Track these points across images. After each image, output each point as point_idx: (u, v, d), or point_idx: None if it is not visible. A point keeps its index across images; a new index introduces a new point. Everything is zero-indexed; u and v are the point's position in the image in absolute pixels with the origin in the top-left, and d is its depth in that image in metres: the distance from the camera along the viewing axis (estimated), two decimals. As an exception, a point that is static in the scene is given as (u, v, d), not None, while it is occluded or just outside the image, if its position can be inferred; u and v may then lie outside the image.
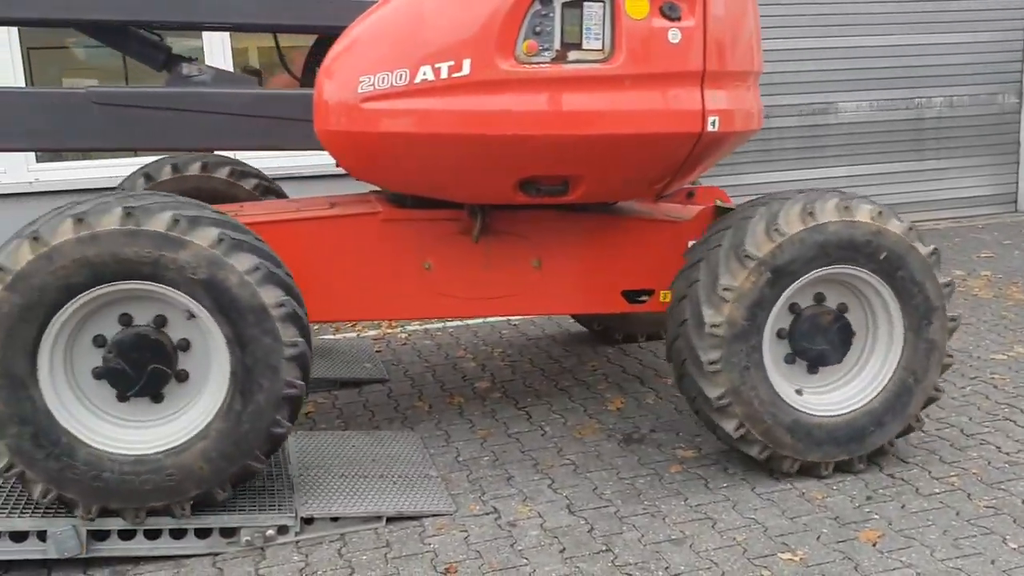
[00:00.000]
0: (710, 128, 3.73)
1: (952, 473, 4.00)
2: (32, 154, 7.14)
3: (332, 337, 6.59)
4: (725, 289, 3.72)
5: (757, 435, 3.83)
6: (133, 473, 3.32)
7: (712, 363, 3.75)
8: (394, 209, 4.23)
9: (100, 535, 3.42)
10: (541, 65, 3.59)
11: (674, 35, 3.63)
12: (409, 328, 6.62)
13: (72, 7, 3.97)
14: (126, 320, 3.38)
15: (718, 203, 4.67)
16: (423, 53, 3.55)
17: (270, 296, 3.36)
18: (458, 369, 5.66)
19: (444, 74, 3.54)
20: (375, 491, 3.83)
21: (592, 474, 4.12)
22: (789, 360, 3.95)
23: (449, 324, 6.76)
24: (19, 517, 3.38)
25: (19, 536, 3.35)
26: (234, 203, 4.72)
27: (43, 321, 3.21)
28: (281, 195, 5.44)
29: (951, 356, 4.05)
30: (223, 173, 5.31)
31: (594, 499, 3.90)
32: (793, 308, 3.90)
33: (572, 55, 3.61)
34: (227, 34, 7.41)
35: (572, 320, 6.29)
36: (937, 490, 3.87)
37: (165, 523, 3.46)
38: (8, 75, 6.90)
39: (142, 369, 3.33)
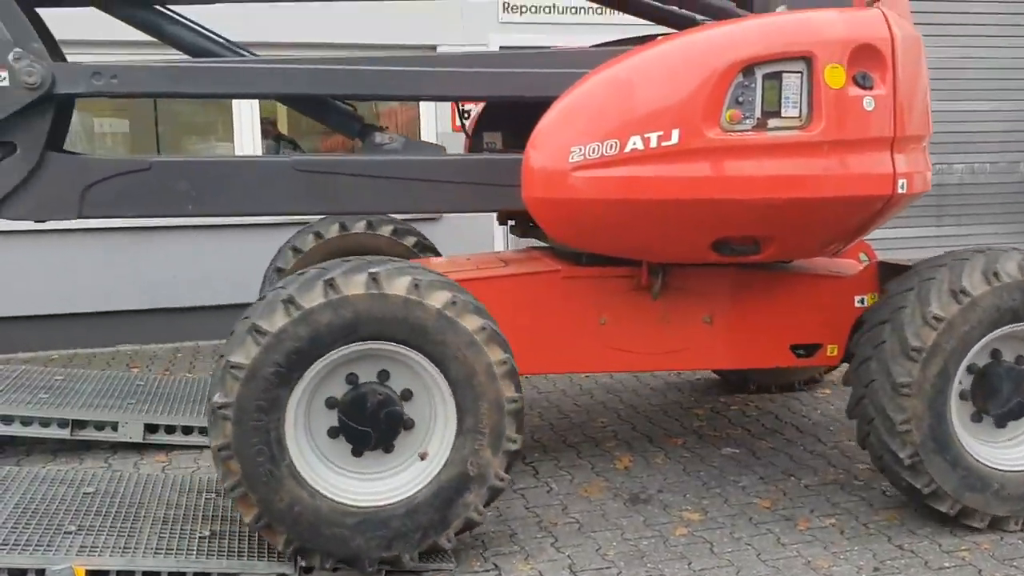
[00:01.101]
0: (900, 190, 3.90)
1: (963, 547, 3.92)
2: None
3: None
4: (914, 351, 3.86)
5: (948, 491, 3.93)
6: (370, 525, 3.49)
7: (903, 423, 3.88)
8: (574, 267, 4.43)
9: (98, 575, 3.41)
10: (744, 133, 3.80)
11: (868, 103, 3.81)
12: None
13: (292, 84, 4.19)
14: (353, 379, 3.57)
15: (883, 260, 4.80)
16: (633, 124, 3.78)
17: (495, 355, 3.58)
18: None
19: (654, 143, 3.75)
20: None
21: (596, 534, 4.08)
22: (976, 418, 4.09)
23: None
24: (19, 554, 3.42)
25: (18, 573, 3.36)
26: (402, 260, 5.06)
27: (296, 380, 3.41)
28: (436, 252, 5.75)
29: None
30: (386, 231, 5.65)
31: (596, 560, 3.84)
32: (971, 368, 4.02)
33: (771, 123, 3.82)
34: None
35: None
36: (947, 564, 3.80)
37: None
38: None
39: (376, 422, 3.53)
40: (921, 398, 3.87)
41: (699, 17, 4.62)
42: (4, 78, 3.76)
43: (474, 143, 5.18)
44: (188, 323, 7.84)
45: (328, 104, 4.70)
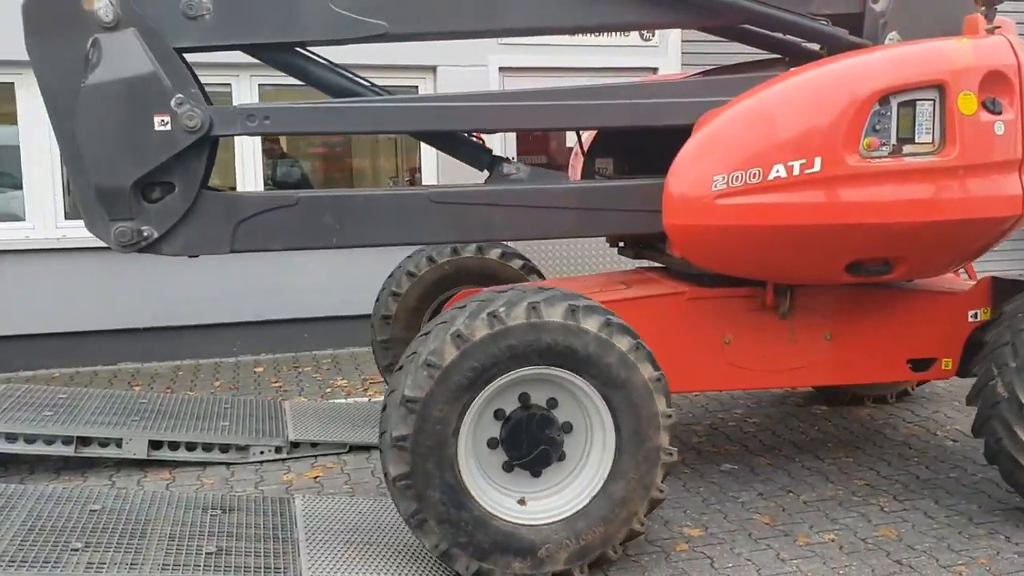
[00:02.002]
0: (1019, 212, 4.05)
1: (960, 562, 3.98)
2: (61, 209, 7.54)
3: (342, 401, 6.31)
4: None
5: None
6: (548, 541, 3.62)
7: None
8: (699, 288, 4.51)
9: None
10: (881, 159, 3.91)
11: (999, 127, 3.95)
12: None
13: (421, 121, 4.44)
14: (525, 398, 3.71)
15: (994, 275, 4.88)
16: (776, 153, 3.88)
17: (648, 371, 3.65)
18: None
19: (796, 171, 3.86)
20: (380, 559, 3.82)
21: None
22: None
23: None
24: (26, 571, 3.45)
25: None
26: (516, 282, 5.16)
27: (465, 406, 3.53)
28: (540, 273, 5.93)
29: None
30: (495, 255, 5.81)
31: (599, 574, 3.83)
32: None
33: (906, 148, 3.93)
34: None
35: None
36: None
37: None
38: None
39: (534, 445, 3.68)
40: None
41: (808, 44, 4.76)
42: (167, 122, 3.96)
43: (586, 169, 5.34)
44: (189, 341, 7.86)
45: (458, 137, 4.88)
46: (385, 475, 3.62)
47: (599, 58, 8.28)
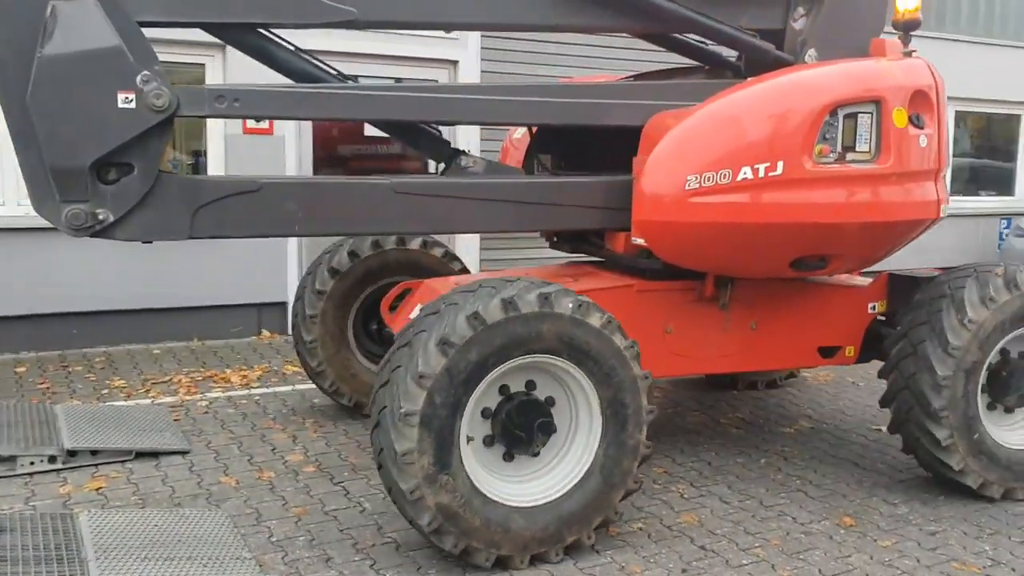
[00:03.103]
0: (941, 215, 4.64)
1: (756, 544, 4.20)
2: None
3: (122, 404, 6.08)
4: (954, 349, 4.54)
5: (975, 468, 4.66)
6: (545, 522, 3.82)
7: (942, 409, 4.55)
8: (646, 282, 4.78)
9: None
10: (830, 165, 4.32)
11: (923, 140, 4.47)
12: (210, 395, 6.29)
13: (395, 110, 4.41)
14: (505, 391, 3.86)
15: (891, 272, 5.42)
16: (744, 156, 4.22)
17: (637, 369, 3.94)
18: (267, 441, 5.40)
19: (762, 173, 4.21)
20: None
21: (415, 552, 4.00)
22: (991, 407, 4.87)
23: (255, 391, 6.38)
24: None
25: None
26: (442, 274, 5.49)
27: (473, 388, 3.67)
28: (464, 265, 5.99)
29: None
30: (416, 245, 5.78)
31: None
32: (988, 366, 4.74)
33: (849, 156, 4.36)
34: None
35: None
36: (745, 561, 4.06)
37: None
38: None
39: (531, 429, 3.83)
40: (956, 389, 4.56)
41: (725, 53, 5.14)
42: (131, 100, 3.75)
43: (526, 164, 5.44)
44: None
45: (420, 130, 4.90)
46: (380, 451, 3.68)
47: (400, 46, 8.15)
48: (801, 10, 4.89)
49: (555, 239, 5.64)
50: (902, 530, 4.43)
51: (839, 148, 4.34)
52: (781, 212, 4.28)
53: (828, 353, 5.28)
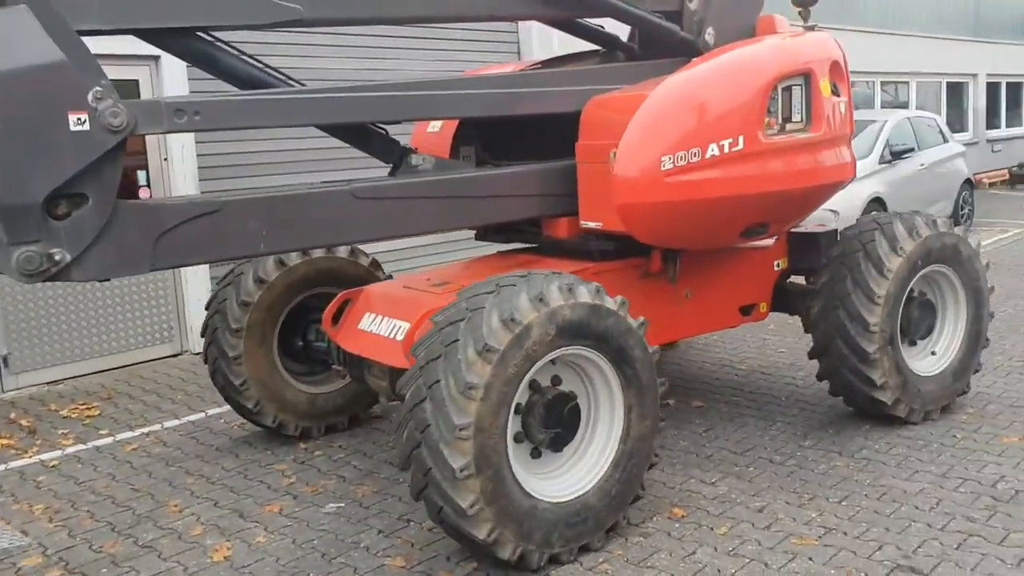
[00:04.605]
0: (854, 175, 5.08)
1: (600, 560, 3.94)
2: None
3: None
4: (878, 297, 5.02)
5: (902, 397, 5.20)
6: (578, 516, 3.86)
7: (875, 352, 5.02)
8: (599, 263, 4.89)
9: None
10: (775, 136, 4.57)
11: (841, 107, 4.84)
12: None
13: (336, 113, 4.23)
14: (535, 386, 3.87)
15: (792, 231, 5.72)
16: (710, 134, 4.40)
17: (647, 348, 4.06)
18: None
19: (727, 149, 4.41)
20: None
21: None
22: (911, 343, 5.42)
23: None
24: None
25: None
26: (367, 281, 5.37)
27: (516, 391, 3.68)
28: (384, 271, 5.79)
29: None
30: (343, 252, 5.55)
31: None
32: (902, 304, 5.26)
33: (788, 127, 4.64)
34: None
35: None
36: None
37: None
38: None
39: (561, 423, 3.88)
40: (884, 333, 5.04)
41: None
42: (84, 121, 3.32)
43: (452, 156, 5.29)
44: None
45: (372, 131, 4.73)
46: (428, 471, 3.55)
47: (96, 44, 7.21)
48: None
49: (482, 231, 5.55)
50: (731, 512, 4.35)
51: (780, 120, 4.58)
52: (744, 184, 4.48)
53: (747, 311, 5.62)
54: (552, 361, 3.85)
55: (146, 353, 7.81)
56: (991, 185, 19.57)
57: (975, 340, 5.59)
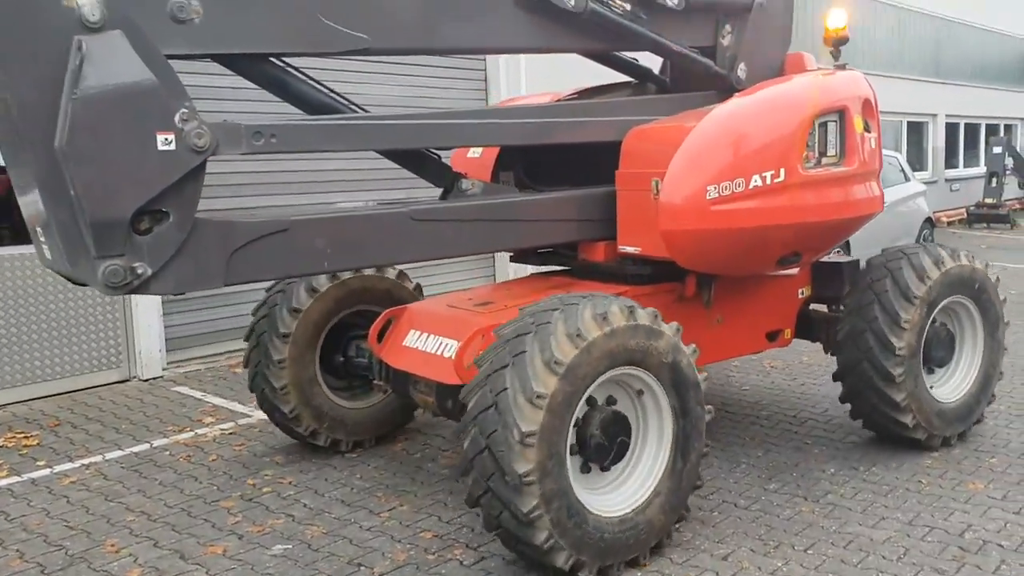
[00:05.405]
0: (881, 210, 5.27)
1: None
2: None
3: None
4: (905, 322, 5.22)
5: (922, 421, 5.39)
6: (621, 532, 4.00)
7: (900, 375, 5.24)
8: (636, 288, 5.03)
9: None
10: (813, 169, 4.79)
11: (872, 142, 5.07)
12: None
13: (400, 139, 4.47)
14: (591, 402, 4.04)
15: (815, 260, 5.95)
16: (753, 165, 4.60)
17: (698, 374, 4.27)
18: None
19: (769, 180, 4.61)
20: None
21: None
22: (931, 370, 5.63)
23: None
24: None
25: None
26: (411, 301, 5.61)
27: (578, 403, 3.86)
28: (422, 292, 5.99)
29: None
30: (391, 273, 5.77)
31: None
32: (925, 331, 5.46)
33: (824, 160, 4.85)
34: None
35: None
36: None
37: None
38: None
39: (614, 441, 4.04)
40: (909, 356, 5.24)
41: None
42: (171, 141, 3.49)
43: (492, 180, 5.51)
44: None
45: (425, 156, 4.88)
46: (491, 476, 3.70)
47: None
48: (728, 28, 5.35)
49: (519, 253, 5.74)
50: (696, 560, 4.24)
51: (816, 153, 4.80)
52: (784, 214, 4.68)
53: (773, 337, 5.80)
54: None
55: (91, 379, 7.51)
56: (950, 224, 19.88)
57: (990, 371, 5.79)
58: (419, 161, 4.93)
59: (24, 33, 3.27)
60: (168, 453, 5.84)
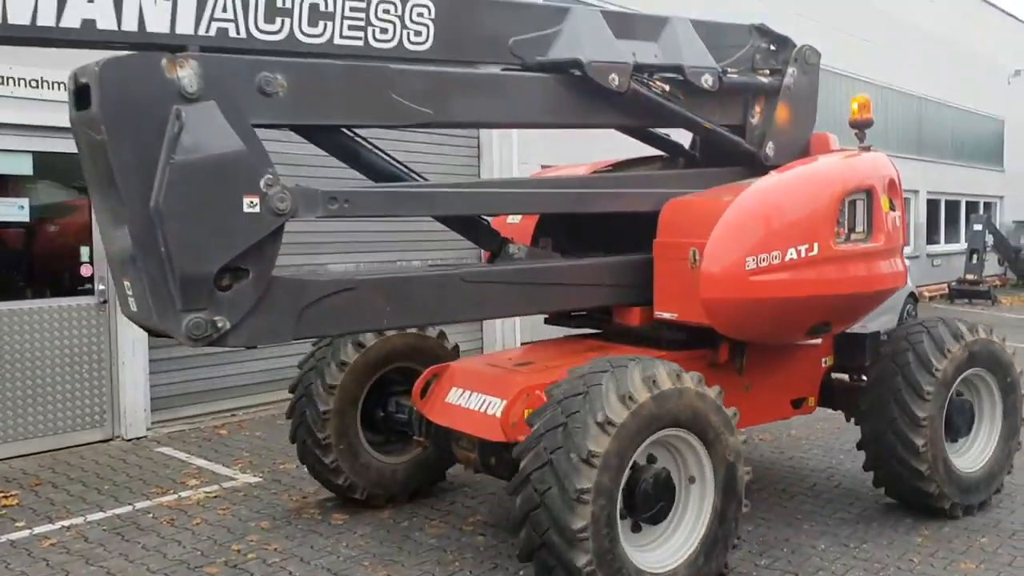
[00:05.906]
0: (905, 284, 5.58)
1: None
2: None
3: None
4: (928, 394, 5.43)
5: (945, 490, 5.56)
6: None
7: (923, 445, 5.42)
8: (669, 353, 5.16)
9: None
10: (842, 245, 5.05)
11: (896, 220, 5.33)
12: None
13: (464, 207, 4.80)
14: (634, 464, 4.18)
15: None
16: (789, 239, 4.85)
17: (737, 436, 4.49)
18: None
19: (803, 253, 4.86)
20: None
21: None
22: (952, 440, 5.79)
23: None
24: None
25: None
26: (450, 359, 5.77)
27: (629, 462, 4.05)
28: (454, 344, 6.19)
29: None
30: (434, 333, 5.96)
31: None
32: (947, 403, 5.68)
33: (852, 236, 5.11)
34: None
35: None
36: None
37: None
38: None
39: (656, 501, 4.22)
40: (932, 427, 5.44)
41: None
42: (255, 204, 3.75)
43: (532, 245, 5.70)
44: None
45: (477, 221, 5.13)
46: (548, 490, 3.84)
47: None
48: (758, 108, 5.67)
49: (554, 316, 5.96)
50: None
51: (846, 230, 5.06)
52: (817, 286, 4.93)
53: (797, 404, 5.98)
54: None
55: (74, 437, 7.39)
56: (931, 299, 20.24)
57: (1009, 441, 5.99)
58: (470, 226, 5.17)
59: (130, 99, 3.55)
60: (151, 516, 5.74)
